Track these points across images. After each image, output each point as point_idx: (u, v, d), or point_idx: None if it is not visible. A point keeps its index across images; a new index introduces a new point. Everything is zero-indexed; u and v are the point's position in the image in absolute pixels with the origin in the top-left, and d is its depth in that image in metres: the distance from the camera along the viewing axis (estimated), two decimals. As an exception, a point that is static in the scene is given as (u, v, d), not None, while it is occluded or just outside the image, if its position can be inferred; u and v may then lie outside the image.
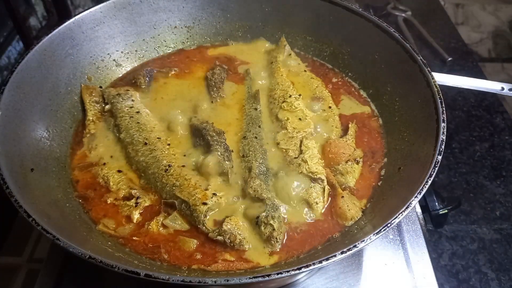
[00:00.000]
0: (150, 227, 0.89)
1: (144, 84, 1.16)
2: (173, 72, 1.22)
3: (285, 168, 0.98)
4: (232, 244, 0.86)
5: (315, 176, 0.95)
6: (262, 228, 0.86)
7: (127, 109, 1.08)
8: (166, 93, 1.17)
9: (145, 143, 1.01)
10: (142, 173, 0.98)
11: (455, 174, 1.40)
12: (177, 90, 1.18)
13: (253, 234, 0.88)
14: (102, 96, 1.13)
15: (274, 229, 0.86)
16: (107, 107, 1.11)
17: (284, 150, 1.02)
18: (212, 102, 1.14)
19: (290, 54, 1.24)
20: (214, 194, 0.93)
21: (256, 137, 1.02)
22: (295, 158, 0.99)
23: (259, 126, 1.06)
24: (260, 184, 0.92)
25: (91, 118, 1.08)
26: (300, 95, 1.13)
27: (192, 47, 1.30)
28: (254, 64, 1.25)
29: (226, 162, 0.96)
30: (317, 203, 0.92)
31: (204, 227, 0.88)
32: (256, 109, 1.11)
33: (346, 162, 1.00)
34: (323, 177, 0.95)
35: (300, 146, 1.01)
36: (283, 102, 1.11)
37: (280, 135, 1.05)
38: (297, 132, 1.05)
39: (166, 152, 1.00)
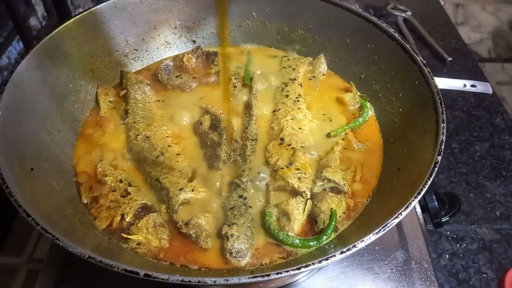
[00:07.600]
0: (141, 223, 0.88)
1: (165, 78, 1.19)
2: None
3: (270, 178, 0.97)
4: (196, 239, 0.86)
5: (300, 190, 0.94)
6: (227, 231, 0.85)
7: (140, 97, 1.13)
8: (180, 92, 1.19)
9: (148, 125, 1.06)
10: (135, 156, 1.01)
11: (455, 174, 1.40)
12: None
13: (217, 237, 0.88)
14: (116, 96, 1.16)
15: (237, 238, 0.85)
16: (123, 92, 1.15)
17: (273, 158, 1.00)
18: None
19: (323, 74, 1.23)
20: (194, 189, 0.94)
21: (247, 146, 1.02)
22: (281, 168, 0.96)
23: (254, 133, 1.05)
24: (241, 194, 0.92)
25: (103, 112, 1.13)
26: (298, 98, 1.13)
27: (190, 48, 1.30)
28: (258, 68, 1.24)
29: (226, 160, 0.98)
30: (295, 218, 0.90)
31: (175, 216, 0.89)
32: (250, 115, 1.09)
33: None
34: (308, 192, 0.94)
35: (292, 156, 1.00)
36: (286, 113, 1.09)
37: (272, 144, 1.03)
38: (295, 142, 1.02)
39: (163, 141, 1.04)
